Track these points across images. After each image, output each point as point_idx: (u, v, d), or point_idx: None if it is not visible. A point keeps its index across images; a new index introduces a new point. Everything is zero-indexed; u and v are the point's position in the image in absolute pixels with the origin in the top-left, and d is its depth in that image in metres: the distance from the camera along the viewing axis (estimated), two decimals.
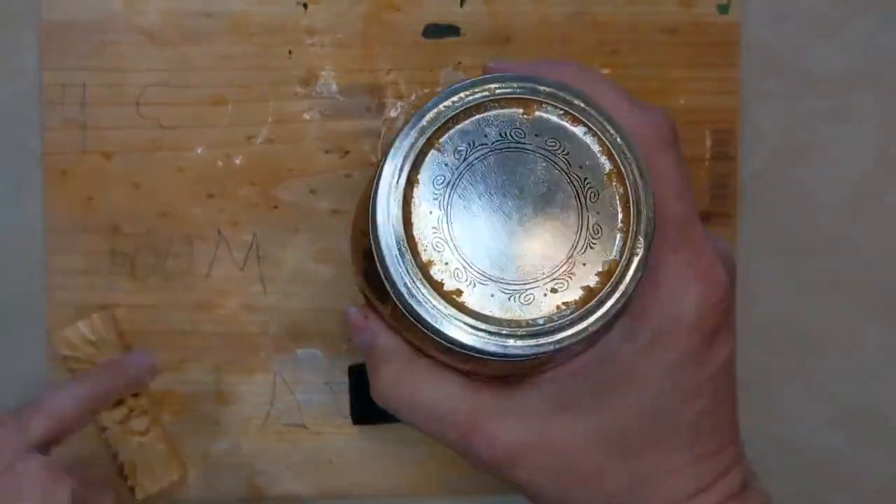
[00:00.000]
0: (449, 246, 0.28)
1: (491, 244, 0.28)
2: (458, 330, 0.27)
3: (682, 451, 0.31)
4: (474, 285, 0.28)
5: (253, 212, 0.43)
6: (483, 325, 0.27)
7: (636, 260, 0.28)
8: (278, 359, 0.44)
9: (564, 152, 0.28)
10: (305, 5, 0.43)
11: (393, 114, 0.44)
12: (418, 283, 0.27)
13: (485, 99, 0.28)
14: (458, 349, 0.27)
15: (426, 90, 0.44)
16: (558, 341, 0.27)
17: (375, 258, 0.28)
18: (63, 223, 0.43)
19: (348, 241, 0.34)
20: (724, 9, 0.44)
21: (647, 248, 0.28)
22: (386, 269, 0.27)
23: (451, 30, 0.44)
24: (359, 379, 0.44)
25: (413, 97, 0.44)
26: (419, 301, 0.27)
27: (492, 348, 0.27)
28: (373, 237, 0.28)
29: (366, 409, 0.44)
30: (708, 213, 0.44)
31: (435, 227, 0.28)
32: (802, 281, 0.46)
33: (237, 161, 0.43)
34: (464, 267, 0.28)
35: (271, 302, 0.44)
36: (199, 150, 0.43)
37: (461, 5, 0.43)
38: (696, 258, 0.30)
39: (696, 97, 0.44)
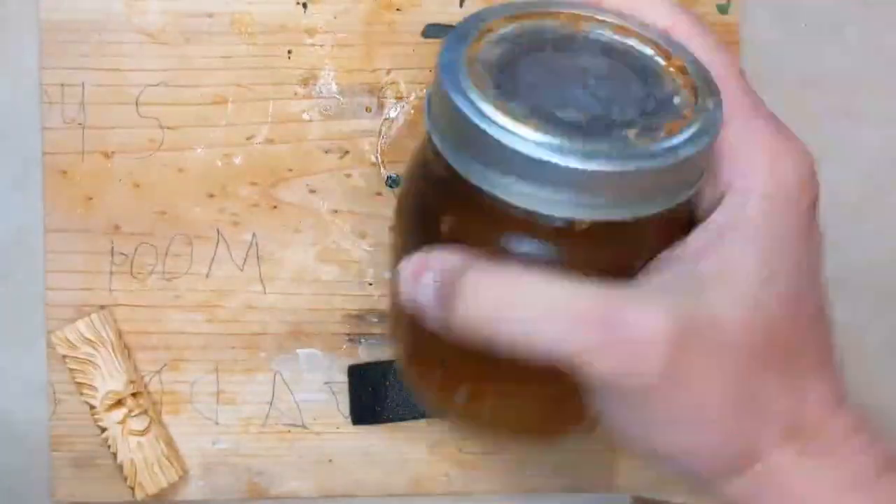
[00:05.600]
0: (515, 93, 0.26)
1: (557, 97, 0.26)
2: (564, 156, 0.24)
3: (816, 349, 0.28)
4: (551, 123, 0.25)
5: (253, 212, 0.43)
6: (595, 144, 0.24)
7: (711, 104, 0.26)
8: (278, 359, 0.44)
9: (621, 51, 0.28)
10: (305, 5, 0.43)
11: (393, 114, 0.44)
12: (494, 110, 0.25)
13: (534, 10, 0.28)
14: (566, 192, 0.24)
15: (426, 90, 0.44)
16: (691, 141, 0.25)
17: (438, 95, 0.26)
18: (63, 223, 0.43)
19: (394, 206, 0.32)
20: (723, 9, 0.44)
21: (718, 104, 0.27)
22: (455, 92, 0.25)
23: (451, 30, 0.43)
24: (359, 379, 0.44)
25: (413, 97, 0.44)
26: (506, 130, 0.24)
27: (624, 163, 0.24)
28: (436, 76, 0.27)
29: (366, 409, 0.44)
30: None
31: (497, 83, 0.26)
32: None
33: (237, 161, 0.43)
34: (533, 110, 0.25)
35: (271, 302, 0.44)
36: (199, 150, 0.43)
37: (461, 5, 0.43)
38: (782, 128, 0.28)
39: None
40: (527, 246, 0.26)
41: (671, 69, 0.28)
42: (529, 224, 0.26)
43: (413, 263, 0.27)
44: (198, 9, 0.43)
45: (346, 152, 0.44)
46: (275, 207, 0.43)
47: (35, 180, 0.43)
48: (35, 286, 0.43)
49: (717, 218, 0.27)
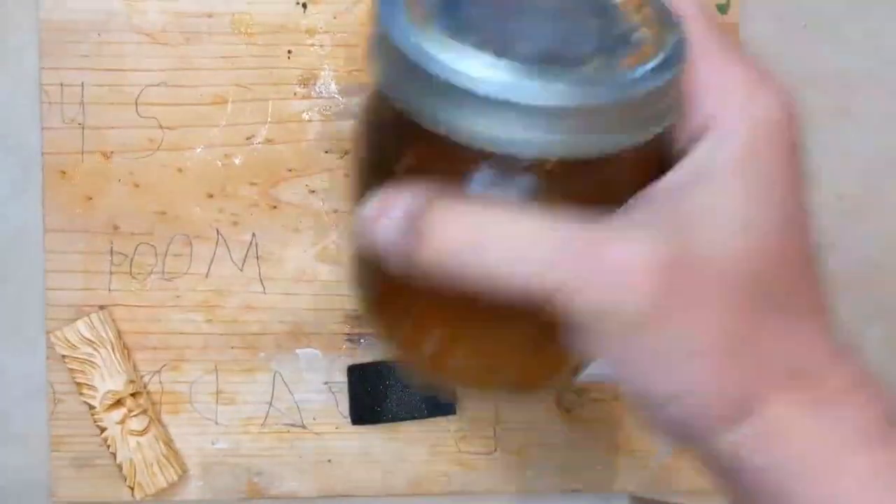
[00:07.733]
0: (462, 29, 0.24)
1: (508, 33, 0.24)
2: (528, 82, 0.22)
3: (808, 293, 0.26)
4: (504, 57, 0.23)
5: (253, 212, 0.43)
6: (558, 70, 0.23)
7: (674, 39, 0.25)
8: (278, 359, 0.44)
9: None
10: (305, 5, 0.43)
11: None
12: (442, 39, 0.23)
13: None
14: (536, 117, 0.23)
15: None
16: (658, 70, 0.24)
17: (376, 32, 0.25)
18: (63, 223, 0.43)
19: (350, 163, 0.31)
20: (723, 9, 0.44)
21: (682, 41, 0.25)
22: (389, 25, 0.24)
23: None
24: (358, 379, 0.44)
25: None
26: (454, 70, 0.23)
27: (597, 92, 0.23)
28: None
29: (365, 409, 0.44)
30: None
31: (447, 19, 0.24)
32: None
33: (237, 161, 0.43)
34: (482, 45, 0.23)
35: (271, 302, 0.44)
36: (199, 150, 0.43)
37: None
38: (759, 68, 0.27)
39: None
40: (492, 185, 0.25)
41: (630, 6, 0.27)
42: (495, 163, 0.24)
43: (373, 204, 0.25)
44: (198, 9, 0.43)
45: (347, 152, 0.44)
46: (275, 207, 0.43)
47: (35, 180, 0.43)
48: (35, 286, 0.43)
49: (696, 156, 0.25)
